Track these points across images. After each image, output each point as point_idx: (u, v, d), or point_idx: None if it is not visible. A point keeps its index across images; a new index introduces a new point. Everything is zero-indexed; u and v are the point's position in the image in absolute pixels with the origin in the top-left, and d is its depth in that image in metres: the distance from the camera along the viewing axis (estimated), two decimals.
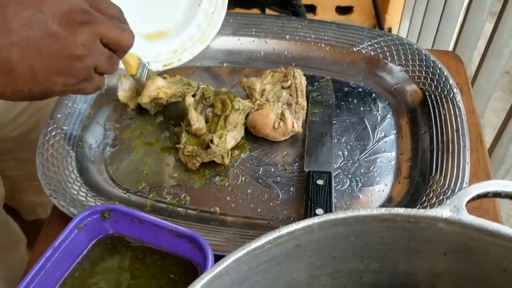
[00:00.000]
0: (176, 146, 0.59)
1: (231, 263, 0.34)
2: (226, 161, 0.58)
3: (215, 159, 0.57)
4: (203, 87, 0.60)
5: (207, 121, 0.59)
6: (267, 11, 1.33)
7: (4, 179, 0.77)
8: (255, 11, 1.33)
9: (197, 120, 0.57)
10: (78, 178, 0.57)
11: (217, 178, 0.58)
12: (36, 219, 0.91)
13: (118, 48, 0.46)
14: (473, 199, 0.34)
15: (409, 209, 0.34)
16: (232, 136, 0.58)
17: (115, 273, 0.47)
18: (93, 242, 0.49)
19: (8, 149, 0.78)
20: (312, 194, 0.51)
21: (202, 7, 0.65)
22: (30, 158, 0.60)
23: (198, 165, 0.57)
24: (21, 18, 0.39)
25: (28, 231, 0.86)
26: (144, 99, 0.59)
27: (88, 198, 0.54)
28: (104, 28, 0.43)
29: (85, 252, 0.48)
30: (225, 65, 0.71)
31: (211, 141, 0.56)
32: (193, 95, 0.60)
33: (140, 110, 0.65)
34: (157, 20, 0.67)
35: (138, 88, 0.63)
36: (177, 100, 0.61)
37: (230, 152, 0.59)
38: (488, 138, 1.02)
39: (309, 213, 0.49)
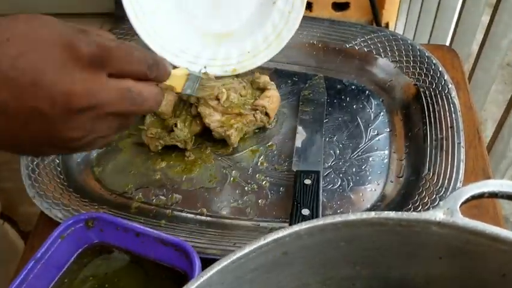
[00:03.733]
0: (140, 127, 0.58)
1: (215, 273, 0.32)
2: (189, 146, 0.58)
3: (178, 144, 0.57)
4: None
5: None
6: None
7: (0, 192, 0.76)
8: None
9: (165, 104, 0.57)
10: (63, 180, 0.55)
11: (205, 178, 0.56)
12: None
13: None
14: (467, 200, 0.32)
15: (401, 213, 0.32)
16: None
17: (101, 283, 0.46)
18: (78, 252, 0.47)
19: (2, 161, 0.77)
20: (299, 194, 0.49)
21: (278, 6, 0.61)
22: None
23: (159, 148, 0.58)
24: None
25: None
26: None
27: (71, 200, 0.52)
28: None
29: (69, 262, 0.47)
30: None
31: (175, 125, 0.56)
32: None
33: None
34: (226, 19, 0.63)
35: None
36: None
37: (193, 138, 0.58)
38: (491, 132, 1.00)
39: (295, 213, 0.47)
